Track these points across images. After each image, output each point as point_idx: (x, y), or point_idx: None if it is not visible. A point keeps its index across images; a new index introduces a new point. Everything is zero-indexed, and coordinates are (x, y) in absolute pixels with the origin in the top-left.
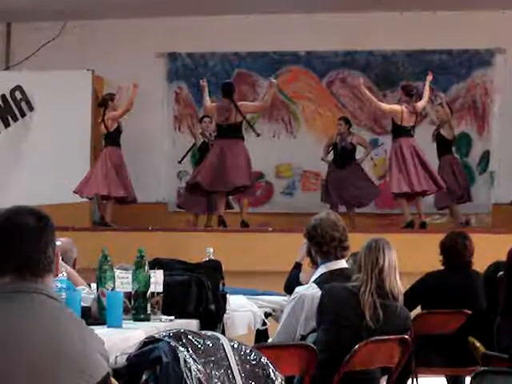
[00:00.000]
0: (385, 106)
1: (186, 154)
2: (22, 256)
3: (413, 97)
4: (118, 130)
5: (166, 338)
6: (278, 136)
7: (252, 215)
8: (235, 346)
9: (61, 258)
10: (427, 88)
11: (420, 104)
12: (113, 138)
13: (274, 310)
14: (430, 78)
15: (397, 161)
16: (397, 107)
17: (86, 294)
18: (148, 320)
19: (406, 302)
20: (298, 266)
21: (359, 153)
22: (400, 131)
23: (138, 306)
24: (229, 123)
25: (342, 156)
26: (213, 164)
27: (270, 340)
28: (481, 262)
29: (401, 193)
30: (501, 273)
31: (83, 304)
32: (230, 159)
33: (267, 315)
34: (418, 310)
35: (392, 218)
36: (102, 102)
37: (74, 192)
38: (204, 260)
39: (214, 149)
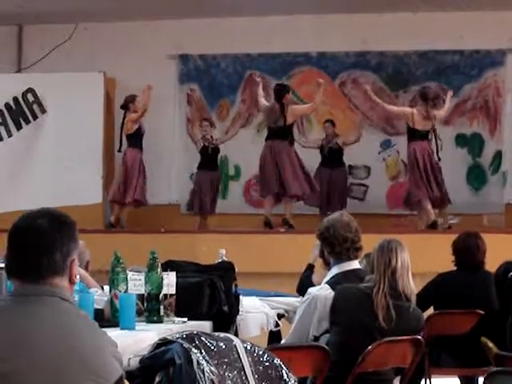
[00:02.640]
0: (395, 108)
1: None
2: (25, 258)
3: (429, 101)
4: (139, 132)
5: (179, 340)
6: None
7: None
8: (248, 347)
9: None
10: (449, 99)
11: (438, 114)
12: (133, 140)
13: (286, 312)
14: (450, 94)
15: (411, 166)
16: (407, 109)
17: (99, 296)
18: (161, 322)
19: (419, 302)
20: (310, 268)
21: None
22: (414, 134)
23: (150, 308)
24: (278, 125)
25: (330, 157)
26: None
27: (282, 341)
28: (493, 262)
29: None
30: (511, 273)
31: (96, 306)
32: (283, 164)
33: (280, 316)
34: (430, 310)
35: (404, 219)
36: (124, 104)
37: (112, 201)
38: (217, 261)
39: (265, 152)
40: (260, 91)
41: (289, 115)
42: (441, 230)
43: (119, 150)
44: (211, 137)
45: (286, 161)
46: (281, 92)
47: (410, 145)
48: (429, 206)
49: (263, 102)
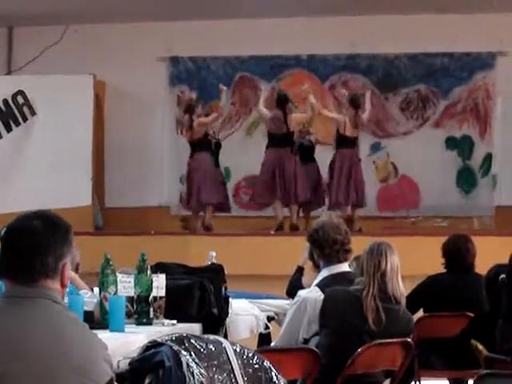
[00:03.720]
0: (329, 113)
1: None
2: (18, 259)
3: (358, 109)
4: (206, 136)
5: (169, 342)
6: None
7: (256, 219)
8: (238, 349)
9: None
10: (368, 102)
11: (364, 116)
12: (201, 144)
13: (276, 314)
14: (368, 94)
15: (331, 171)
16: (340, 117)
17: (89, 298)
18: (150, 324)
19: (409, 305)
20: (300, 270)
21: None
22: (343, 141)
23: (140, 311)
24: (282, 133)
25: (301, 153)
26: (268, 179)
27: (272, 344)
28: (483, 265)
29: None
30: (502, 276)
31: (86, 308)
32: (289, 171)
33: (270, 319)
34: (420, 312)
35: (394, 221)
36: (188, 108)
37: (188, 208)
38: (206, 264)
39: (270, 159)
40: (262, 100)
41: (291, 123)
42: (428, 232)
43: (191, 156)
44: (213, 132)
45: (291, 168)
46: (283, 100)
47: (338, 152)
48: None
49: (265, 110)
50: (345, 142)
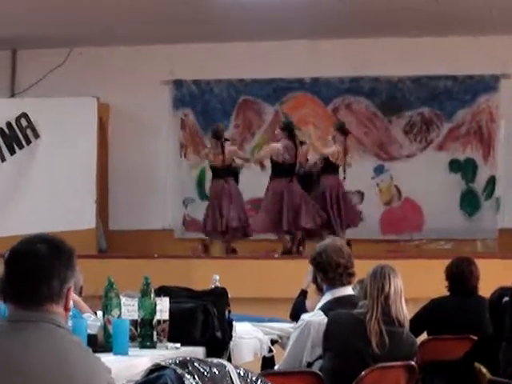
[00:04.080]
0: (328, 150)
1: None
2: (23, 284)
3: (347, 135)
4: (232, 163)
5: (173, 366)
6: None
7: (260, 242)
8: (241, 373)
9: None
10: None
11: (328, 152)
12: (230, 170)
13: (280, 337)
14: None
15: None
16: (335, 149)
17: (92, 321)
18: (154, 347)
19: (412, 328)
20: (303, 294)
21: None
22: (328, 168)
23: (144, 334)
24: (290, 162)
25: (306, 181)
26: (274, 211)
27: (276, 367)
28: (487, 288)
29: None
30: (506, 299)
31: (89, 331)
32: (297, 200)
33: (273, 342)
34: (424, 335)
35: (398, 244)
36: (219, 134)
37: (207, 233)
38: (210, 287)
39: (277, 190)
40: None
41: (300, 154)
42: (432, 254)
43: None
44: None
45: (298, 196)
46: (291, 128)
47: (324, 178)
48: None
49: (275, 145)
50: (329, 169)
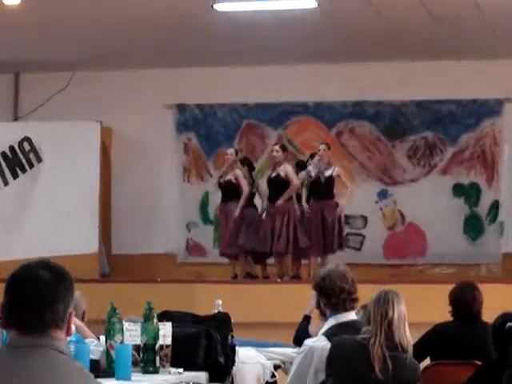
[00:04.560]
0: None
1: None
2: (27, 309)
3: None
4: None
5: None
6: None
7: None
8: None
9: None
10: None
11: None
12: (253, 196)
13: (283, 362)
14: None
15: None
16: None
17: (95, 346)
18: (157, 372)
19: (416, 353)
20: (307, 319)
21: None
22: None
23: (146, 359)
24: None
25: (274, 189)
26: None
27: None
28: (491, 313)
29: None
30: (509, 324)
31: (92, 357)
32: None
33: (276, 367)
34: (427, 361)
35: (402, 269)
36: (248, 162)
37: (222, 254)
38: (213, 312)
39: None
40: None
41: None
42: (435, 279)
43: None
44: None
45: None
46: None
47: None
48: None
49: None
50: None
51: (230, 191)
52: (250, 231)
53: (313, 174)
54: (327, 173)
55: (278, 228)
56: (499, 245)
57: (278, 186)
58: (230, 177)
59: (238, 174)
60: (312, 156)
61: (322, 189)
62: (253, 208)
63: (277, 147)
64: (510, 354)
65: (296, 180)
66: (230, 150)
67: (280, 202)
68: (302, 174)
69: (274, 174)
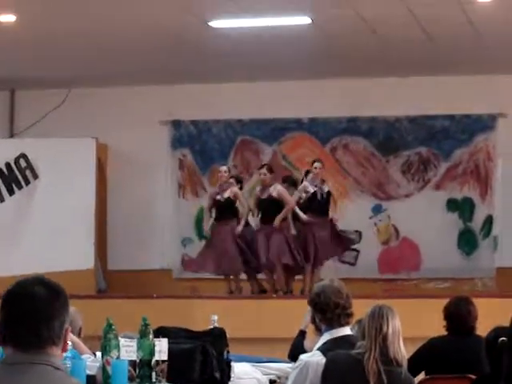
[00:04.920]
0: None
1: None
2: (24, 327)
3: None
4: None
5: None
6: None
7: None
8: None
9: None
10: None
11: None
12: None
13: (278, 378)
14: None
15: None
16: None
17: (91, 362)
18: None
19: (410, 367)
20: (302, 334)
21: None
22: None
23: (142, 375)
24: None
25: (265, 210)
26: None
27: None
28: (485, 327)
29: None
30: (502, 338)
31: (88, 372)
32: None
33: (272, 382)
34: (422, 375)
35: (396, 283)
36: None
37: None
38: (209, 328)
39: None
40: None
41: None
42: (430, 294)
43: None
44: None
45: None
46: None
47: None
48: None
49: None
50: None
51: (227, 209)
52: (245, 248)
53: (311, 190)
54: (325, 189)
55: (274, 245)
56: (493, 259)
57: (272, 206)
58: (228, 194)
59: (237, 191)
60: (307, 173)
61: (318, 205)
62: (247, 226)
63: (264, 170)
64: (503, 367)
65: (291, 200)
66: (224, 168)
67: (277, 222)
68: (300, 189)
69: (265, 195)
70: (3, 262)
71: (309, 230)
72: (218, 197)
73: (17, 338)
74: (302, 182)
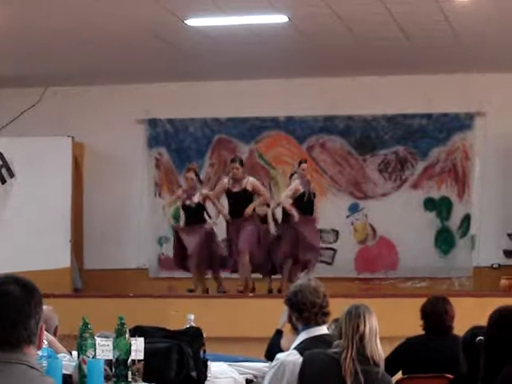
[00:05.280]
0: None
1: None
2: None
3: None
4: None
5: None
6: None
7: (232, 280)
8: None
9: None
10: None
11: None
12: None
13: (255, 377)
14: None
15: None
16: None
17: (67, 361)
18: None
19: (387, 367)
20: (279, 333)
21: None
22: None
23: (118, 374)
24: None
25: (237, 204)
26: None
27: None
28: (462, 326)
29: None
30: (479, 338)
31: (64, 372)
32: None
33: (249, 382)
34: (399, 375)
35: (373, 283)
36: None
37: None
38: (185, 327)
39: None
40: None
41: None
42: (407, 293)
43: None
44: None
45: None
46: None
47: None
48: None
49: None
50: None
51: (197, 214)
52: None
53: (301, 190)
54: (313, 189)
55: (245, 234)
56: (470, 258)
57: (245, 200)
58: (197, 199)
59: (207, 193)
60: (291, 175)
61: (307, 204)
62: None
63: (237, 164)
64: (481, 368)
65: (266, 192)
66: (191, 174)
67: (249, 211)
68: (290, 189)
69: (236, 189)
70: None
71: (298, 229)
72: (188, 202)
73: None
74: (290, 182)
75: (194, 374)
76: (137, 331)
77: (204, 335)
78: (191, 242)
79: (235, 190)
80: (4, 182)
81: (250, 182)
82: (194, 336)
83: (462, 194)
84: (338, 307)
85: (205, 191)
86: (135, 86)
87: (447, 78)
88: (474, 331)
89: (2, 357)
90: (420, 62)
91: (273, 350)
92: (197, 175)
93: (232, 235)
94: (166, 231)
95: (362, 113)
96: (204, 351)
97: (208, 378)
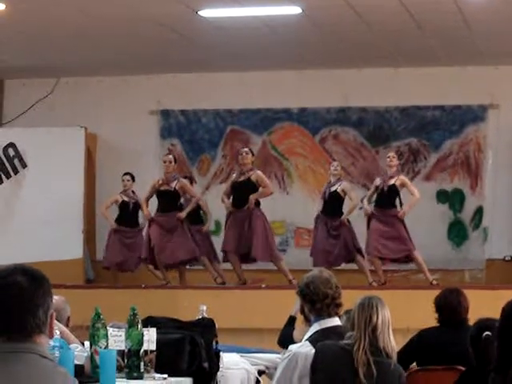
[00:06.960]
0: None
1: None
2: (9, 316)
3: None
4: None
5: None
6: None
7: (246, 272)
8: None
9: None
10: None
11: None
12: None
13: (267, 368)
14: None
15: None
16: None
17: (80, 352)
18: (141, 378)
19: (401, 359)
20: (291, 320)
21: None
22: None
23: (131, 364)
24: None
25: (241, 193)
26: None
27: None
28: (474, 319)
29: None
30: (486, 332)
31: (76, 362)
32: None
33: (261, 373)
34: (411, 366)
35: (387, 275)
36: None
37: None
38: (197, 318)
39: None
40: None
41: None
42: (419, 285)
43: None
44: (132, 192)
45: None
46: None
47: None
48: None
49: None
50: None
51: (172, 200)
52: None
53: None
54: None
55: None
56: (483, 251)
57: (248, 191)
58: (175, 185)
59: (185, 184)
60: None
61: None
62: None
63: (246, 149)
64: (492, 358)
65: (270, 185)
66: (169, 157)
67: (252, 202)
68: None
69: (242, 178)
70: None
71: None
72: (165, 187)
73: (2, 328)
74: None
75: (206, 364)
76: (149, 322)
77: (216, 326)
78: (155, 232)
79: (239, 179)
80: (16, 172)
81: (256, 173)
82: (206, 327)
83: (475, 186)
84: (350, 299)
85: (184, 181)
86: (148, 76)
87: (460, 71)
88: (480, 324)
89: (12, 346)
90: (433, 54)
91: (285, 338)
92: (175, 160)
93: (236, 224)
94: None
95: (375, 104)
96: (216, 342)
97: (220, 369)
